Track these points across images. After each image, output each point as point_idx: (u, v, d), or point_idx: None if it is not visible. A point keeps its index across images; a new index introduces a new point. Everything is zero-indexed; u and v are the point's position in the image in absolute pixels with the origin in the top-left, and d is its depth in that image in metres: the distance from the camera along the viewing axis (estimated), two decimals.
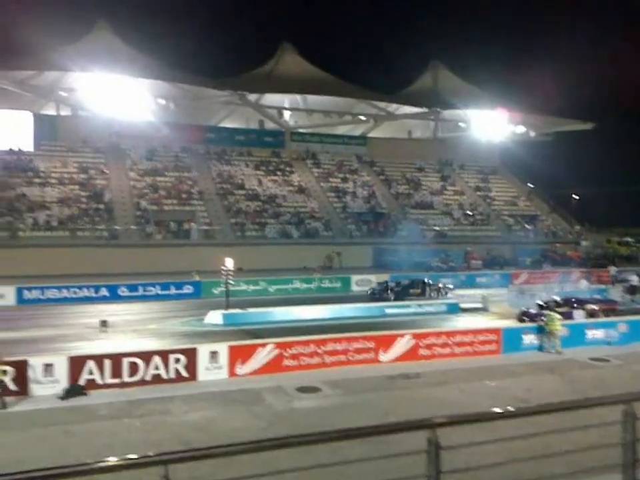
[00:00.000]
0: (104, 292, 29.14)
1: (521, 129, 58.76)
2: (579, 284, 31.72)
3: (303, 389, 15.10)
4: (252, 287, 30.30)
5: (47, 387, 14.26)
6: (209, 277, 30.53)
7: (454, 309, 26.75)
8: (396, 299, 29.09)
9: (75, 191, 42.82)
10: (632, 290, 30.06)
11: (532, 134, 60.33)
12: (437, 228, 48.15)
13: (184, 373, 15.65)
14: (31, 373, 14.19)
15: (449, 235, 47.81)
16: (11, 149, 44.30)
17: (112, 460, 3.71)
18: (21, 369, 14.06)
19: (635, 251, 50.46)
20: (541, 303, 24.23)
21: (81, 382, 14.53)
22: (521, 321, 22.71)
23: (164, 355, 15.57)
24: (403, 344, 17.89)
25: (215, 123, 54.75)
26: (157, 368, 15.36)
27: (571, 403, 5.39)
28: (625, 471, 4.87)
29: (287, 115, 56.43)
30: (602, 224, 60.04)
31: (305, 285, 32.54)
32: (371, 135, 58.88)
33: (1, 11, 43.63)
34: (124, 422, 12.74)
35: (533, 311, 23.24)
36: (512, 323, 22.59)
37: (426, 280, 30.54)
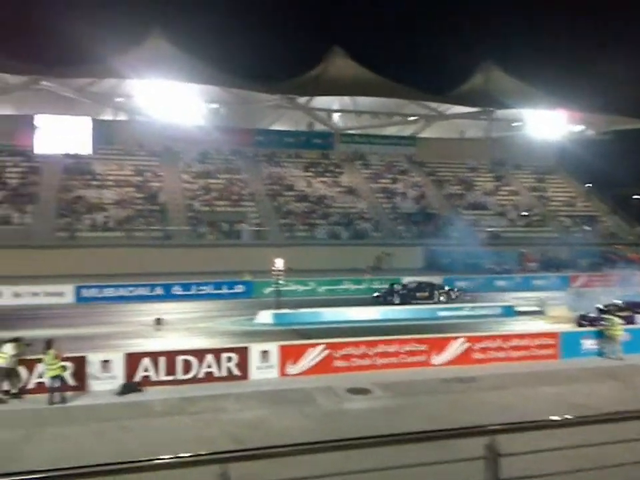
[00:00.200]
0: (158, 291, 29.85)
1: (579, 128, 56.81)
2: None
3: (353, 390, 14.97)
4: (301, 288, 30.37)
5: (104, 383, 14.63)
6: (259, 277, 30.83)
7: (509, 312, 26.04)
8: (401, 303, 28.19)
9: (131, 193, 44.04)
10: None
11: (590, 132, 58.25)
12: (490, 229, 47.07)
13: (236, 372, 15.78)
14: (89, 369, 14.59)
15: (503, 237, 46.65)
16: (70, 153, 45.93)
17: (173, 457, 3.70)
18: (80, 364, 14.48)
19: None
20: (601, 306, 23.25)
21: (137, 378, 14.84)
22: (580, 325, 21.87)
23: (217, 353, 15.75)
24: (456, 347, 17.51)
25: (264, 126, 55.29)
26: (209, 366, 15.54)
27: (636, 412, 5.08)
28: None
29: (335, 116, 56.45)
30: None
31: (354, 286, 32.39)
32: (420, 135, 58.18)
33: (61, 21, 45.43)
34: (178, 419, 12.93)
35: (592, 314, 22.34)
36: (570, 327, 21.78)
37: (434, 283, 29.53)
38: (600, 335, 18.70)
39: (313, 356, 16.32)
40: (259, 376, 15.90)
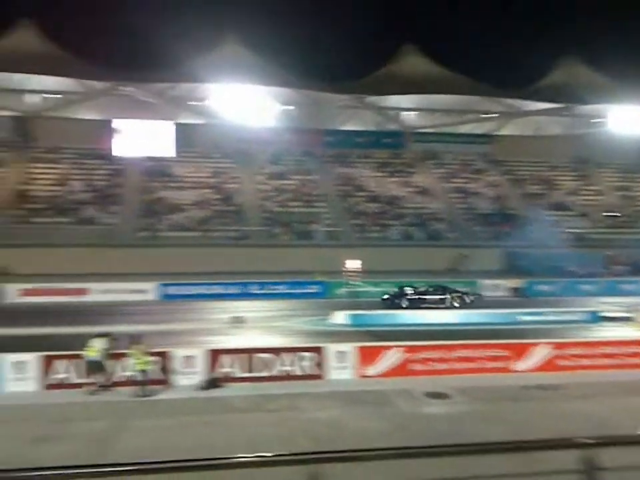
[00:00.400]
0: (236, 289, 30.51)
1: None
2: None
3: (431, 394, 14.68)
4: (375, 289, 30.18)
5: (187, 378, 15.06)
6: (331, 278, 30.92)
7: (595, 318, 24.77)
8: (410, 306, 27.11)
9: (208, 194, 45.31)
10: None
11: None
12: (573, 230, 45.01)
13: (312, 371, 15.83)
14: (172, 364, 15.08)
15: (587, 238, 44.50)
16: (151, 156, 47.80)
17: (258, 455, 3.70)
18: (163, 359, 14.99)
19: None
20: None
21: (217, 374, 15.20)
22: None
23: (294, 352, 15.89)
24: (539, 353, 16.82)
25: (334, 127, 55.42)
26: (287, 364, 15.68)
27: None
28: None
29: (406, 115, 55.84)
30: None
31: None
32: (496, 133, 56.51)
33: (141, 29, 47.46)
34: (257, 415, 13.11)
35: None
36: None
37: (447, 287, 28.16)
38: None
39: (389, 358, 16.14)
40: (334, 376, 15.88)
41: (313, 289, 31.05)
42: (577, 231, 45.12)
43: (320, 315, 25.46)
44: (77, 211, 41.65)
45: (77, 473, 3.47)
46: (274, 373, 15.61)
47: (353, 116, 55.33)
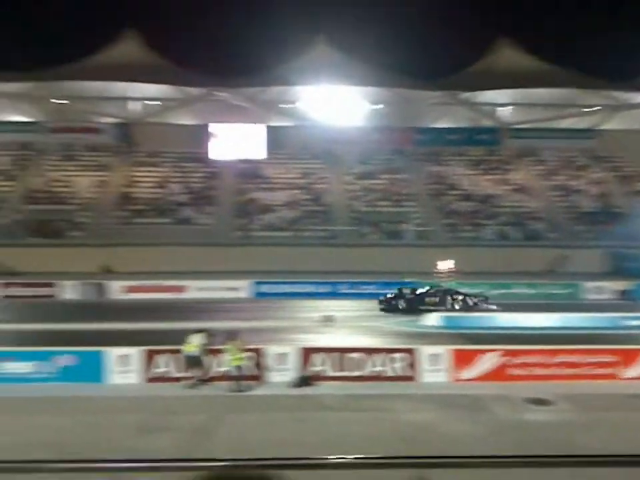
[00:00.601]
0: (326, 288, 30.67)
1: None
2: None
3: (532, 401, 13.97)
4: (468, 291, 29.26)
5: (279, 375, 15.26)
6: (422, 278, 30.34)
7: None
8: (408, 309, 25.98)
9: (298, 195, 45.98)
10: None
11: None
12: None
13: (404, 373, 15.56)
14: (266, 361, 15.34)
15: None
16: (244, 158, 49.16)
17: (364, 456, 3.59)
18: (257, 356, 15.28)
19: None
20: None
21: (309, 372, 15.29)
22: None
23: (386, 352, 15.70)
24: None
25: (425, 124, 54.43)
26: (378, 365, 15.51)
27: None
28: None
29: (502, 111, 53.85)
30: None
31: (526, 290, 30.40)
32: (600, 127, 53.14)
33: (233, 35, 49.01)
34: (348, 415, 13.05)
35: None
36: None
37: (448, 288, 26.62)
38: None
39: (486, 362, 15.54)
40: (427, 379, 15.52)
41: None
42: None
43: (411, 316, 25.03)
44: (175, 211, 43.64)
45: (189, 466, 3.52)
46: (365, 373, 15.49)
47: (445, 113, 54.08)
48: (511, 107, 53.77)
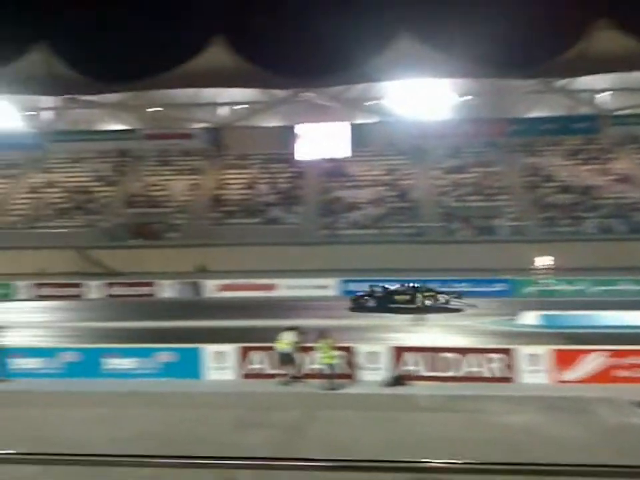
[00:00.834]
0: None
1: None
2: None
3: (639, 404, 13.03)
4: (570, 287, 27.78)
5: (371, 374, 15.13)
6: (517, 275, 29.19)
7: None
8: (378, 307, 25.48)
9: (383, 192, 45.57)
10: None
11: None
12: None
13: (501, 373, 14.98)
14: (357, 359, 15.25)
15: None
16: (329, 157, 49.37)
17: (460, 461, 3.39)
18: (348, 354, 15.22)
19: None
20: None
21: (401, 372, 15.05)
22: None
23: (481, 352, 15.19)
24: None
25: (518, 114, 52.18)
26: (474, 365, 15.02)
27: None
28: None
29: (601, 97, 50.65)
30: None
31: (632, 287, 28.38)
32: None
33: (316, 35, 49.34)
34: (443, 416, 12.76)
35: None
36: None
37: (418, 286, 26.03)
38: None
39: (590, 363, 14.63)
40: (526, 380, 14.87)
41: (498, 287, 29.52)
42: None
43: (507, 314, 24.08)
44: (264, 212, 44.59)
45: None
46: (460, 373, 15.05)
47: (539, 101, 51.55)
48: (610, 93, 50.45)
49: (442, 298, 26.05)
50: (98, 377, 15.61)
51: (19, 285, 33.21)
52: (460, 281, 29.94)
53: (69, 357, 16.02)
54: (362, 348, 15.52)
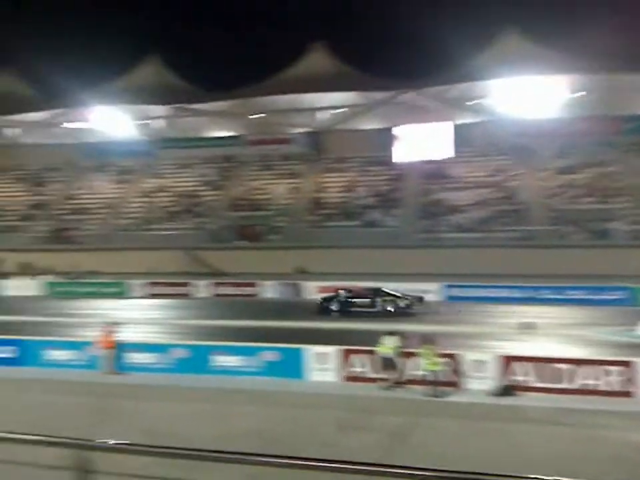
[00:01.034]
0: (523, 293, 28.73)
1: None
2: None
3: None
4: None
5: (477, 382, 14.54)
6: (637, 283, 27.05)
7: None
8: (340, 310, 25.06)
9: (487, 194, 43.99)
10: None
11: None
12: None
13: (621, 387, 13.86)
14: (462, 367, 14.72)
15: None
16: (429, 159, 48.38)
17: None
18: (453, 362, 14.73)
19: None
20: None
21: (509, 382, 14.35)
22: None
23: (599, 364, 14.14)
24: None
25: (635, 111, 48.40)
26: (589, 378, 14.02)
27: None
28: None
29: None
30: None
31: None
32: None
33: (419, 35, 48.54)
34: (554, 429, 12.00)
35: None
36: None
37: (377, 289, 25.33)
38: None
39: None
40: None
41: (617, 295, 27.45)
42: None
43: (627, 324, 22.31)
44: (362, 214, 44.57)
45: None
46: (574, 385, 14.09)
47: None
48: None
49: (401, 302, 25.55)
50: (206, 373, 16.16)
51: (132, 283, 35.28)
52: (574, 288, 28.15)
53: (180, 353, 16.73)
54: (467, 356, 14.97)
